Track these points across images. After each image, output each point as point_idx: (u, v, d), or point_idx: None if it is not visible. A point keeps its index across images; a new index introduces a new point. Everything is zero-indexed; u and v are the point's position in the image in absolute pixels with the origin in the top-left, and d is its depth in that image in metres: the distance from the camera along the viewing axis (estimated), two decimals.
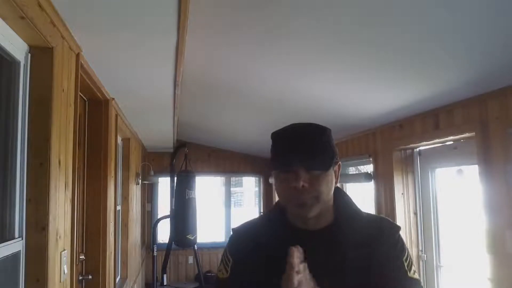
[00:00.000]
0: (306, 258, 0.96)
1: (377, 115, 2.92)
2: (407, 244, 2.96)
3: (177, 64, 2.09)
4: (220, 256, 1.23)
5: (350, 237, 1.03)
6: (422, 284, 1.07)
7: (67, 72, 1.70)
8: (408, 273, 1.03)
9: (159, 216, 6.06)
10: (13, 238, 1.36)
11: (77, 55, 1.84)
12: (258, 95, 3.09)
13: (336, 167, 1.06)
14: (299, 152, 1.00)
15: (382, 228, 1.08)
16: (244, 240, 1.12)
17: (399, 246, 1.06)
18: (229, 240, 1.17)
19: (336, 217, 1.08)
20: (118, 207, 3.49)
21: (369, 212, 1.15)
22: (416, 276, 1.04)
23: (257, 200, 7.23)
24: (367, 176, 3.40)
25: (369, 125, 3.27)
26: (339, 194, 1.12)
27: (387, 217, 1.18)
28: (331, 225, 1.06)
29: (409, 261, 1.05)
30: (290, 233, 1.06)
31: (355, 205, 1.13)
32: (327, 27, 1.76)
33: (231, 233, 1.19)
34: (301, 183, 0.98)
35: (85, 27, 1.66)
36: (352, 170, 4.13)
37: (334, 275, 0.98)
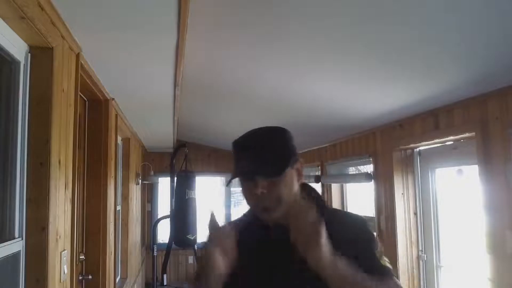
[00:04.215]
0: (277, 251, 1.03)
1: (377, 115, 2.92)
2: (407, 244, 2.96)
3: (177, 64, 2.09)
4: None
5: None
6: (393, 273, 1.08)
7: (67, 72, 1.70)
8: (380, 261, 1.06)
9: (159, 216, 6.06)
10: (13, 238, 1.36)
11: (77, 55, 1.84)
12: (258, 95, 3.09)
13: (297, 165, 1.09)
14: (255, 161, 1.04)
15: (348, 222, 1.13)
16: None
17: (367, 237, 1.10)
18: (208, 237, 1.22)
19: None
20: (118, 207, 3.49)
21: (335, 208, 1.17)
22: (388, 265, 1.08)
23: None
24: (367, 176, 3.40)
25: (369, 125, 3.27)
26: (307, 189, 1.15)
27: (351, 212, 1.22)
28: None
29: (380, 251, 1.08)
30: (265, 229, 1.10)
31: (323, 199, 1.18)
32: (327, 27, 1.76)
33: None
34: (260, 190, 1.02)
35: (85, 27, 1.66)
36: (352, 170, 4.13)
37: (306, 267, 0.99)
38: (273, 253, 1.06)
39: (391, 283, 1.02)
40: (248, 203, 1.10)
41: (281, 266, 1.05)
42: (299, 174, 1.10)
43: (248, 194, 1.07)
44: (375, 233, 1.14)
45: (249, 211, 1.19)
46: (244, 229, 1.11)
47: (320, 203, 1.13)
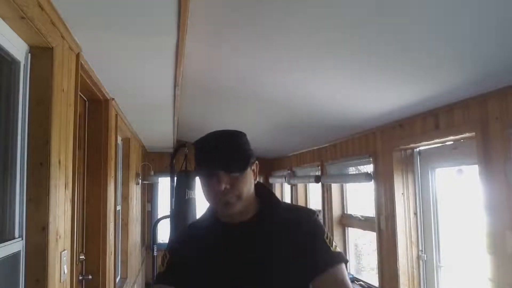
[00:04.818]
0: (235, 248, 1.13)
1: (377, 115, 2.92)
2: (407, 244, 2.96)
3: (177, 64, 2.09)
4: None
5: (273, 225, 1.17)
6: (343, 256, 1.17)
7: (67, 72, 1.70)
8: (331, 248, 1.15)
9: (159, 216, 6.05)
10: (13, 238, 1.37)
11: (77, 55, 1.84)
12: (258, 96, 3.09)
13: (254, 166, 1.19)
14: (218, 158, 1.13)
15: (300, 215, 1.21)
16: (180, 238, 1.31)
17: (317, 228, 1.18)
18: (168, 240, 1.32)
19: (259, 209, 1.20)
20: (118, 207, 3.49)
21: (289, 203, 1.25)
22: (338, 249, 1.17)
23: None
24: (367, 176, 3.40)
25: (369, 125, 3.27)
26: (261, 188, 1.24)
27: (304, 206, 1.30)
28: (255, 216, 1.19)
29: (329, 239, 1.17)
30: (220, 227, 1.19)
31: (276, 197, 1.28)
32: (328, 27, 1.76)
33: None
34: (223, 185, 1.10)
35: (85, 27, 1.66)
36: (352, 170, 4.13)
37: (262, 261, 1.11)
38: (227, 252, 1.14)
39: (340, 271, 1.13)
40: (209, 198, 1.16)
41: (233, 265, 1.12)
42: (255, 174, 1.20)
43: (210, 190, 1.13)
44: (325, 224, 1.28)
45: (206, 212, 1.27)
46: (202, 230, 1.22)
47: (274, 200, 1.26)
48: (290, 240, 1.14)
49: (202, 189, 1.18)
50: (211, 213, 1.24)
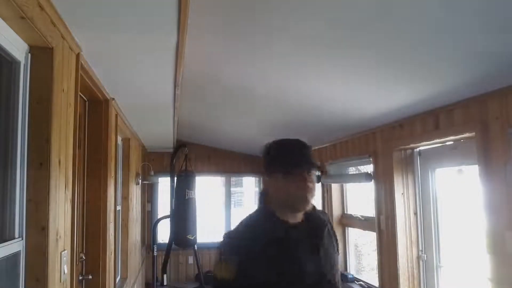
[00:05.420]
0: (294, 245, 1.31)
1: (377, 115, 2.92)
2: (407, 244, 2.96)
3: (177, 64, 2.09)
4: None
5: (316, 225, 1.41)
6: None
7: (67, 72, 1.70)
8: None
9: (159, 216, 6.05)
10: (13, 238, 1.36)
11: (77, 55, 1.83)
12: (258, 95, 3.09)
13: None
14: (307, 160, 1.35)
15: (326, 215, 1.54)
16: (241, 237, 1.35)
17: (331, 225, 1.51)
18: (226, 244, 1.36)
19: (306, 212, 1.40)
20: (118, 207, 3.49)
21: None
22: None
23: (257, 200, 7.20)
24: (367, 176, 3.40)
25: (369, 125, 3.27)
26: None
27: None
28: (305, 219, 1.40)
29: None
30: (285, 227, 1.34)
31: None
32: (328, 28, 1.76)
33: (224, 237, 1.38)
34: (310, 184, 1.32)
35: (85, 27, 1.66)
36: (352, 170, 4.13)
37: (315, 253, 1.33)
38: (297, 248, 1.30)
39: None
40: (291, 194, 1.32)
41: (305, 258, 1.30)
42: None
43: (296, 187, 1.31)
44: None
45: (260, 212, 1.40)
46: (265, 229, 1.32)
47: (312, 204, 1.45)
48: (327, 236, 1.41)
49: (280, 185, 1.34)
50: (270, 213, 1.36)
